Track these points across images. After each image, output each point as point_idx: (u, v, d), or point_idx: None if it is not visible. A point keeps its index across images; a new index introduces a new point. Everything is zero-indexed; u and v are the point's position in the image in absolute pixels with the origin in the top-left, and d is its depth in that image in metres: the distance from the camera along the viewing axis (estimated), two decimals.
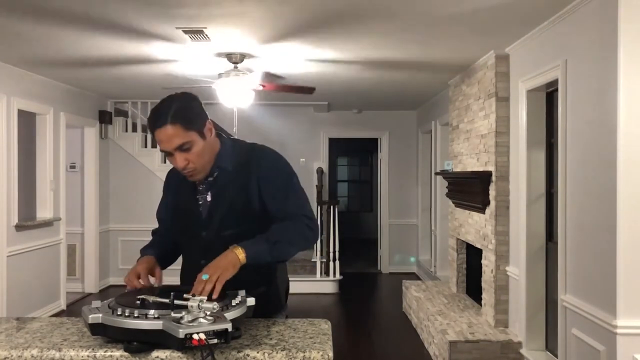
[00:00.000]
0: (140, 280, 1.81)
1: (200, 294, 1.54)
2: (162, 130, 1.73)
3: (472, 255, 5.40)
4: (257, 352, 1.48)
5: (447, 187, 5.85)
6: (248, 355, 1.48)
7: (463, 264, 5.66)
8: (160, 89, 6.05)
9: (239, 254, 1.67)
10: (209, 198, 1.91)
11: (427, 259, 8.17)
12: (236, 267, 1.65)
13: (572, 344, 3.38)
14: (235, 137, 2.05)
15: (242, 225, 1.86)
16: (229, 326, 1.41)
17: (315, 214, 7.45)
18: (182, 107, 1.76)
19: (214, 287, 1.57)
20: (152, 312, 1.46)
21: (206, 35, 4.07)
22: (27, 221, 5.60)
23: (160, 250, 2.01)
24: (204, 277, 1.59)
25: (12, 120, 5.28)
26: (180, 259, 2.10)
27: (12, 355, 1.49)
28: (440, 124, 7.07)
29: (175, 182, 2.01)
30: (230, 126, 6.98)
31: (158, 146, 1.81)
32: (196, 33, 4.00)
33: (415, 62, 5.00)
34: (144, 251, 1.99)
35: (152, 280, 1.85)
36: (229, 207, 1.88)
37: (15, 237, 5.36)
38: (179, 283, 2.00)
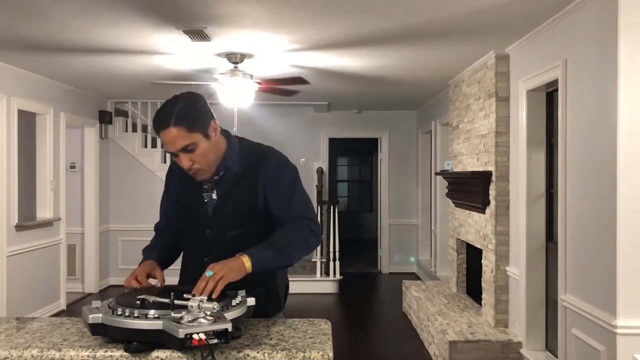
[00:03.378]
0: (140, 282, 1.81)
1: (201, 292, 1.54)
2: (166, 132, 1.74)
3: (472, 255, 5.39)
4: (257, 352, 1.48)
5: (447, 187, 5.85)
6: (248, 355, 1.48)
7: (463, 264, 5.66)
8: (155, 86, 6.08)
9: (245, 262, 1.66)
10: (214, 196, 1.90)
11: (427, 259, 8.17)
12: (241, 273, 1.64)
13: (572, 344, 3.38)
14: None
15: (247, 226, 1.87)
16: (229, 326, 1.41)
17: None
18: (186, 109, 1.76)
19: (215, 286, 1.57)
20: (152, 312, 1.46)
21: (206, 35, 4.06)
22: (27, 221, 5.60)
23: (162, 251, 2.01)
24: (208, 273, 1.58)
25: (12, 120, 5.28)
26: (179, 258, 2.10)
27: (12, 355, 1.49)
28: (440, 124, 7.07)
29: (180, 173, 1.98)
30: (230, 126, 6.96)
31: (163, 146, 1.81)
32: (196, 33, 4.00)
33: (415, 62, 5.00)
34: (147, 253, 1.98)
35: (153, 282, 1.84)
36: (234, 207, 1.88)
37: (15, 237, 5.35)
38: (180, 280, 2.01)
